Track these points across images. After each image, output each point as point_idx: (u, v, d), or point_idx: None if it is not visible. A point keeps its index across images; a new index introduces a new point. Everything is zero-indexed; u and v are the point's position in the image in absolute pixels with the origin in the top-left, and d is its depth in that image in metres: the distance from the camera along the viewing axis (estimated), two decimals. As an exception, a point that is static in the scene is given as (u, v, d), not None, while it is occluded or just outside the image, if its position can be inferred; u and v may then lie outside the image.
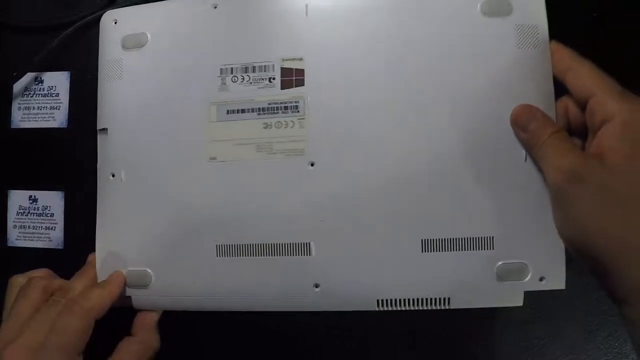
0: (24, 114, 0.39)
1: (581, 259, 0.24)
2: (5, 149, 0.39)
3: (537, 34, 0.28)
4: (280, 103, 0.30)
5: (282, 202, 0.29)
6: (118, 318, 0.29)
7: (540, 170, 0.26)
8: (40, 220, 0.38)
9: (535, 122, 0.26)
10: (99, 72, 0.33)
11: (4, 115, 0.39)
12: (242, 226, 0.29)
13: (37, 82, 0.39)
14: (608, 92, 0.24)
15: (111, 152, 0.31)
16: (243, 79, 0.30)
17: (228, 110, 0.30)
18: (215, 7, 0.31)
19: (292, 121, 0.29)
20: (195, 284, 0.30)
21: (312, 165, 0.29)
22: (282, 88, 0.30)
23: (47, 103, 0.38)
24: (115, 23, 0.33)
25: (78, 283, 0.30)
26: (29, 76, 0.39)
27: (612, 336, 0.34)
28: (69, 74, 0.38)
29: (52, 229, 0.37)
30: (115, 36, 0.33)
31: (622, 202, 0.22)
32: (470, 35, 0.28)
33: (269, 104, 0.30)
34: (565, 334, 0.34)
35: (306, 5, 0.30)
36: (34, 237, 0.38)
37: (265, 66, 0.30)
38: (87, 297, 0.28)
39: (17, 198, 0.38)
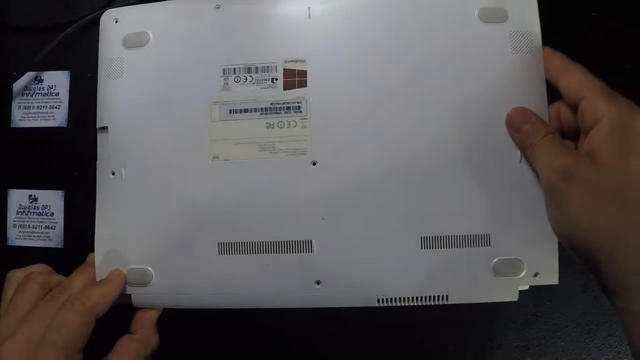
0: (23, 113, 0.40)
1: (575, 254, 0.26)
2: (5, 148, 0.40)
3: (531, 39, 0.30)
4: (283, 103, 0.31)
5: (285, 200, 0.31)
6: (117, 315, 0.30)
7: (534, 170, 0.29)
8: (40, 220, 0.39)
9: (529, 124, 0.28)
10: (98, 71, 0.34)
11: (3, 114, 0.40)
12: (244, 224, 0.31)
13: (37, 82, 0.40)
14: (598, 94, 0.26)
15: (111, 150, 0.33)
16: (246, 79, 0.32)
17: (231, 110, 0.32)
18: (218, 7, 0.33)
19: (294, 121, 0.31)
20: (197, 281, 0.31)
21: (314, 164, 0.31)
22: (285, 89, 0.31)
23: (47, 102, 0.39)
24: (116, 22, 0.34)
25: (77, 280, 0.31)
26: (28, 75, 0.40)
27: (612, 336, 0.35)
28: (69, 73, 0.39)
29: (52, 228, 0.39)
30: (116, 35, 0.34)
31: (612, 198, 0.24)
32: (467, 41, 0.30)
33: (272, 104, 0.31)
34: (565, 334, 0.36)
35: (309, 8, 0.32)
36: (34, 236, 0.39)
37: (268, 67, 0.32)
38: (88, 294, 0.29)
39: (17, 197, 0.39)
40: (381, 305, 0.30)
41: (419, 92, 0.31)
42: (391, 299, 0.30)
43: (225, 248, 0.31)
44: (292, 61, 0.32)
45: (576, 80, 0.27)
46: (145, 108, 0.33)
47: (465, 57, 0.30)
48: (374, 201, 0.30)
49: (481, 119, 0.30)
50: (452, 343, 0.36)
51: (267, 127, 0.31)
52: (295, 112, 0.31)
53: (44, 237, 0.39)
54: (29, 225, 0.39)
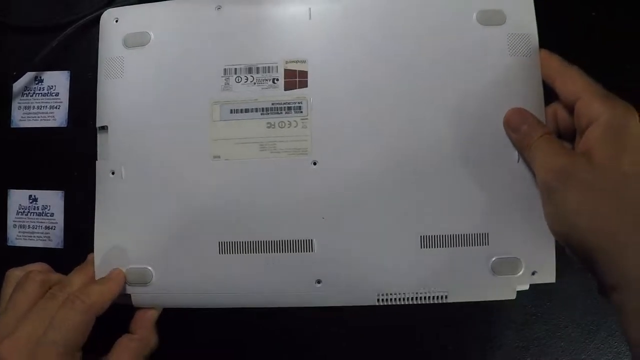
0: (23, 113, 0.40)
1: (572, 253, 0.27)
2: (5, 148, 0.40)
3: (528, 42, 0.31)
4: (284, 104, 0.32)
5: (285, 200, 0.32)
6: (117, 315, 0.30)
7: (531, 170, 0.30)
8: (40, 220, 0.39)
9: (526, 125, 0.29)
10: (98, 70, 0.34)
11: (4, 114, 0.40)
12: (245, 223, 0.32)
13: (37, 82, 0.40)
14: (593, 95, 0.27)
15: (111, 149, 0.33)
16: (247, 79, 0.33)
17: (232, 110, 0.33)
18: (219, 8, 0.34)
19: (295, 121, 0.32)
20: (197, 281, 0.32)
21: (314, 164, 0.32)
22: (286, 89, 0.32)
23: (47, 102, 0.40)
24: (117, 21, 0.35)
25: (77, 278, 0.31)
26: (28, 75, 0.40)
27: (612, 336, 0.36)
28: (69, 74, 0.40)
29: (52, 228, 0.39)
30: (116, 34, 0.34)
31: (608, 197, 0.25)
32: (467, 43, 0.32)
33: (273, 104, 0.32)
34: (565, 334, 0.36)
35: (309, 9, 0.33)
36: (34, 236, 0.40)
37: (269, 67, 0.33)
38: (88, 292, 0.29)
39: (17, 197, 0.40)
40: (381, 304, 0.31)
41: (418, 93, 0.32)
42: (391, 298, 0.31)
43: (226, 247, 0.32)
44: (293, 62, 0.33)
45: (572, 81, 0.28)
46: (145, 107, 0.33)
47: (465, 59, 0.31)
48: (373, 201, 0.31)
49: (480, 119, 0.31)
50: (452, 343, 0.37)
51: (268, 127, 0.32)
52: (296, 112, 0.32)
53: (44, 237, 0.40)
54: (29, 226, 0.40)
